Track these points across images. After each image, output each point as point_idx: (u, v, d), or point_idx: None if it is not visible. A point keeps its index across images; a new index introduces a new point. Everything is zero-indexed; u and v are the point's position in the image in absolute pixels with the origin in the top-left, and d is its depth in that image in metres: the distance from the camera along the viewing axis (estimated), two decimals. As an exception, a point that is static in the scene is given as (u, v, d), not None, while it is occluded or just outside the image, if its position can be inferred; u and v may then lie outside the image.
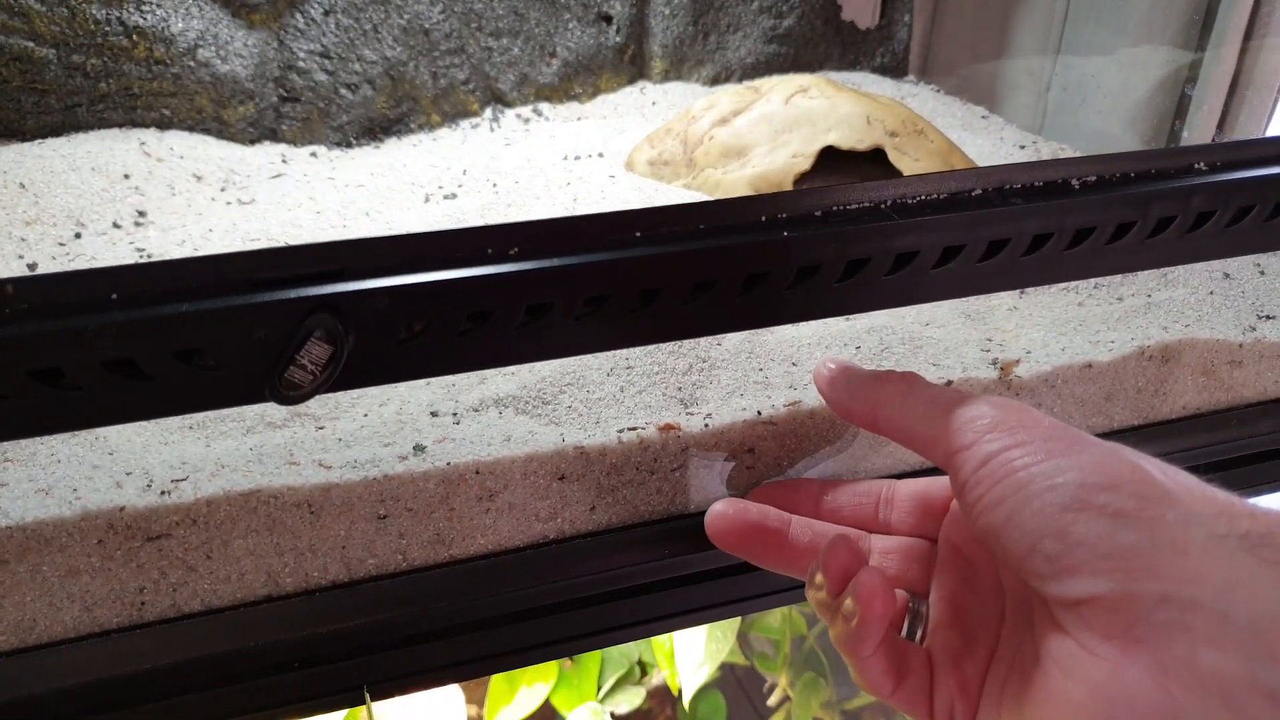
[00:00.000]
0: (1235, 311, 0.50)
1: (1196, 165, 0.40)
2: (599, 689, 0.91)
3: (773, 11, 0.87)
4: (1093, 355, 0.45)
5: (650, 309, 0.34)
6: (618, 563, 0.39)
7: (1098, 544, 0.26)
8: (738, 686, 1.04)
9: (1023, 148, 0.76)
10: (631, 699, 0.91)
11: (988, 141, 0.77)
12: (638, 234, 0.34)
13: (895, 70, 0.95)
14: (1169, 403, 0.47)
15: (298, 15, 0.75)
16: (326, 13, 0.75)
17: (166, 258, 0.56)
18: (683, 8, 0.84)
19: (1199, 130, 0.80)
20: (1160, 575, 0.25)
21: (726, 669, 1.00)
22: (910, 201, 0.37)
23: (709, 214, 0.34)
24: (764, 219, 0.35)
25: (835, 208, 0.36)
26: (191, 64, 0.73)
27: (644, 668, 0.95)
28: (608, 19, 0.83)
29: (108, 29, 0.70)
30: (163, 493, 0.33)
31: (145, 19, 0.71)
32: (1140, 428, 0.47)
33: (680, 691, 0.87)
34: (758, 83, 0.71)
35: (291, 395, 0.30)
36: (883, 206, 0.36)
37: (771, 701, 0.93)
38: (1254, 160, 0.41)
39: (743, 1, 0.86)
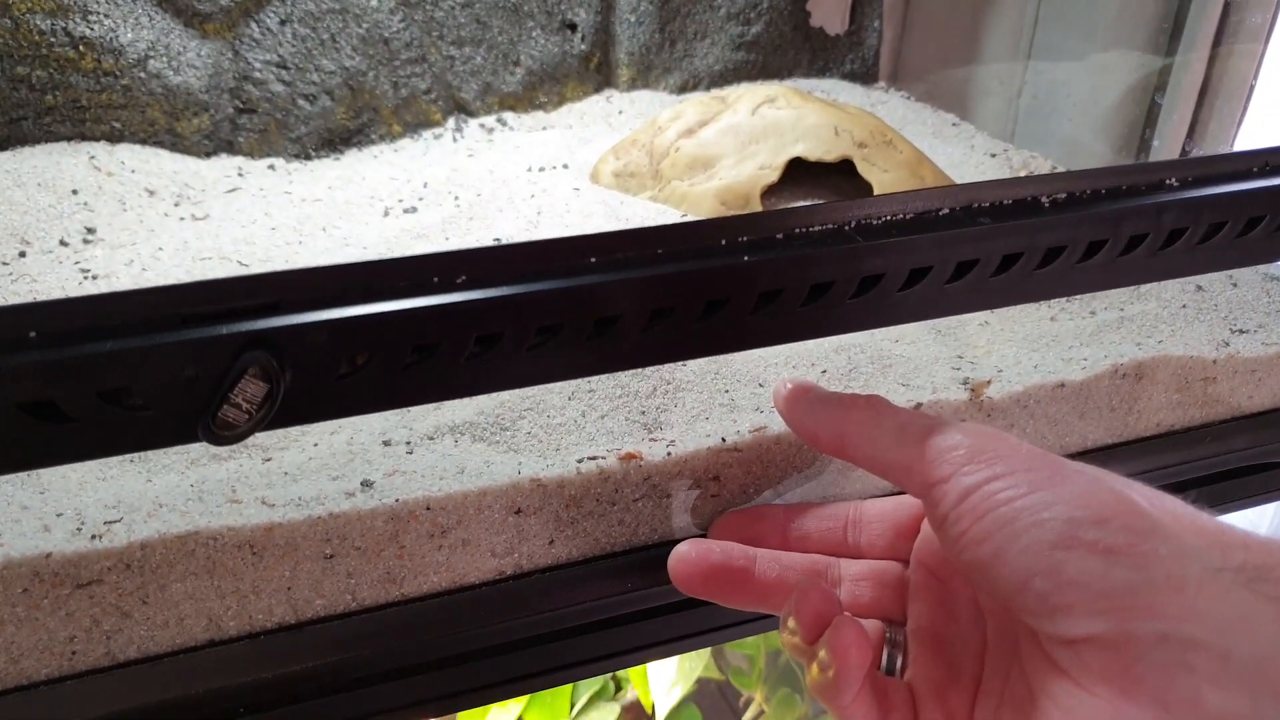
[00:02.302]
0: (1209, 326, 0.50)
1: (1168, 181, 0.39)
2: (572, 706, 0.89)
3: (740, 18, 0.86)
4: (1066, 374, 0.44)
5: (607, 337, 0.33)
6: (579, 597, 0.37)
7: (1091, 583, 0.25)
8: (718, 695, 1.02)
9: (994, 156, 0.76)
10: (605, 716, 0.89)
11: (958, 150, 0.76)
12: (592, 259, 0.32)
13: (865, 77, 0.94)
14: (1143, 420, 0.46)
15: (253, 25, 0.73)
16: (283, 22, 0.73)
17: (103, 290, 0.54)
18: (649, 15, 0.83)
19: (1169, 139, 0.80)
20: (1157, 613, 0.24)
21: (703, 681, 0.98)
22: (875, 223, 0.36)
23: (667, 238, 0.33)
24: (724, 242, 0.34)
25: (798, 230, 0.35)
26: (142, 75, 0.70)
27: (618, 683, 0.93)
28: (572, 27, 0.82)
29: (53, 40, 0.68)
30: (94, 536, 0.31)
31: (92, 29, 0.68)
32: (1114, 446, 0.47)
33: (654, 709, 0.85)
34: (725, 92, 0.70)
35: (226, 435, 0.29)
36: (847, 228, 0.35)
37: (747, 718, 0.91)
38: (1225, 175, 0.40)
39: (710, 8, 0.85)
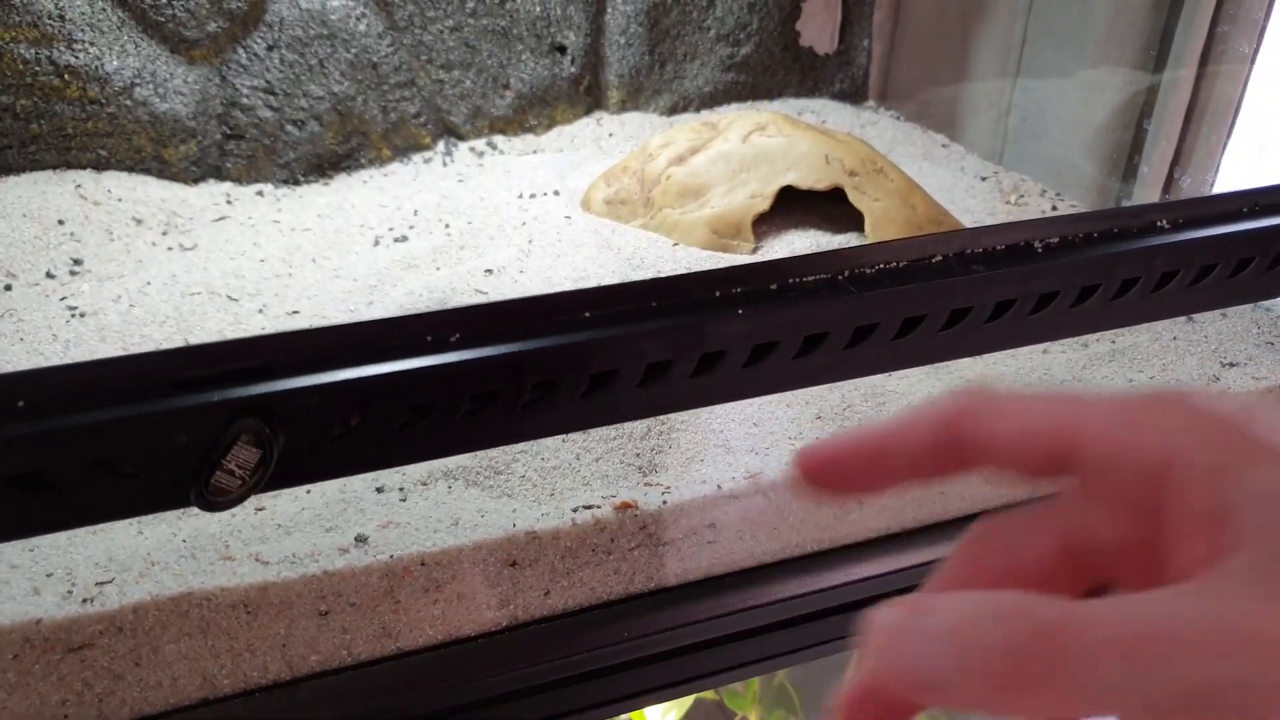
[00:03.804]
0: (1199, 358, 0.50)
1: (1159, 224, 0.40)
2: (565, 729, 0.89)
3: (730, 39, 0.86)
4: (1057, 413, 0.44)
5: (602, 392, 0.33)
6: (575, 647, 0.37)
7: None
8: (713, 715, 1.02)
9: (984, 179, 0.76)
10: (599, 738, 0.89)
11: (948, 173, 0.77)
12: (587, 315, 0.32)
13: (855, 96, 0.94)
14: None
15: (240, 51, 0.73)
16: (270, 48, 0.73)
17: (90, 327, 0.54)
18: (638, 37, 0.83)
19: (1156, 165, 0.80)
20: None
21: (698, 702, 0.98)
22: (869, 272, 0.36)
23: (661, 291, 0.33)
24: (718, 295, 0.34)
25: (791, 280, 0.35)
26: (128, 103, 0.70)
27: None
28: (562, 49, 0.82)
29: (37, 69, 0.67)
30: (85, 600, 0.31)
31: (77, 58, 0.68)
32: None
33: (648, 731, 0.85)
34: (715, 118, 0.70)
35: (219, 502, 0.28)
36: (840, 278, 0.35)
37: (741, 738, 0.91)
38: (1215, 217, 0.40)
39: (699, 30, 0.85)
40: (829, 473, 0.25)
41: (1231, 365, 0.49)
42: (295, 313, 0.56)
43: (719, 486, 0.39)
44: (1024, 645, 0.16)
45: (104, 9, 0.69)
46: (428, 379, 0.30)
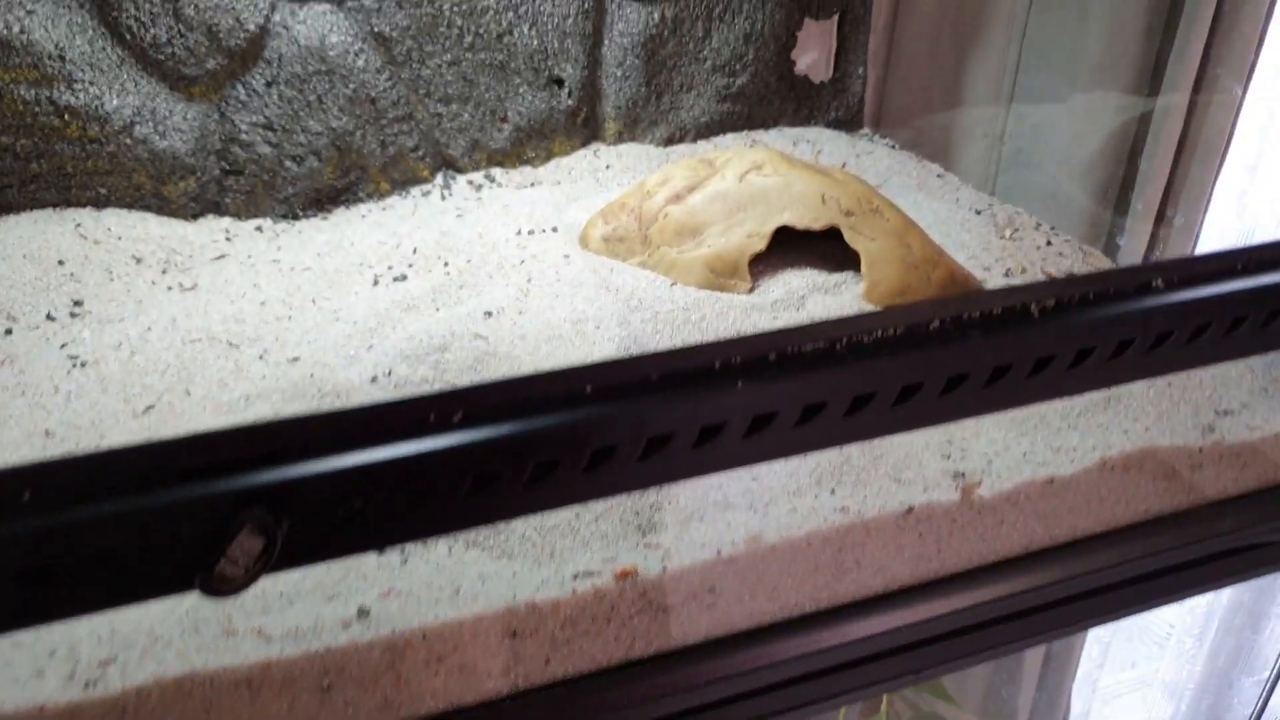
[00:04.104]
0: (1193, 406, 0.50)
1: (1154, 283, 0.40)
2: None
3: (726, 70, 0.86)
4: (1055, 467, 0.44)
5: (603, 468, 0.33)
6: (576, 714, 0.37)
7: None
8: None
9: (979, 212, 0.76)
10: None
11: (944, 205, 0.77)
12: (588, 389, 0.32)
13: (850, 123, 0.94)
14: (1131, 509, 0.47)
15: (239, 87, 0.73)
16: (269, 84, 0.73)
17: (91, 379, 0.54)
18: (635, 69, 0.83)
19: (1148, 199, 0.80)
20: None
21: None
22: (866, 340, 0.36)
23: (660, 363, 0.33)
24: (717, 366, 0.34)
25: (790, 349, 0.35)
26: (128, 141, 0.70)
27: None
28: (559, 82, 0.82)
29: (37, 109, 0.67)
30: (88, 684, 0.31)
31: (77, 97, 0.68)
32: (1102, 535, 0.47)
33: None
34: (711, 155, 0.70)
35: (223, 589, 0.29)
36: (838, 346, 0.35)
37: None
38: (1210, 275, 0.41)
39: (695, 61, 0.85)
40: None
41: (1227, 413, 0.50)
42: (296, 359, 0.57)
43: (719, 551, 0.39)
44: None
45: (104, 48, 0.69)
46: (428, 464, 0.30)
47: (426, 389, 0.55)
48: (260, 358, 0.57)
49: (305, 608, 0.36)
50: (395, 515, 0.30)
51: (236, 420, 0.50)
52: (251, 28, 0.71)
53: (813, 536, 0.41)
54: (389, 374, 0.55)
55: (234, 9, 0.70)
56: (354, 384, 0.54)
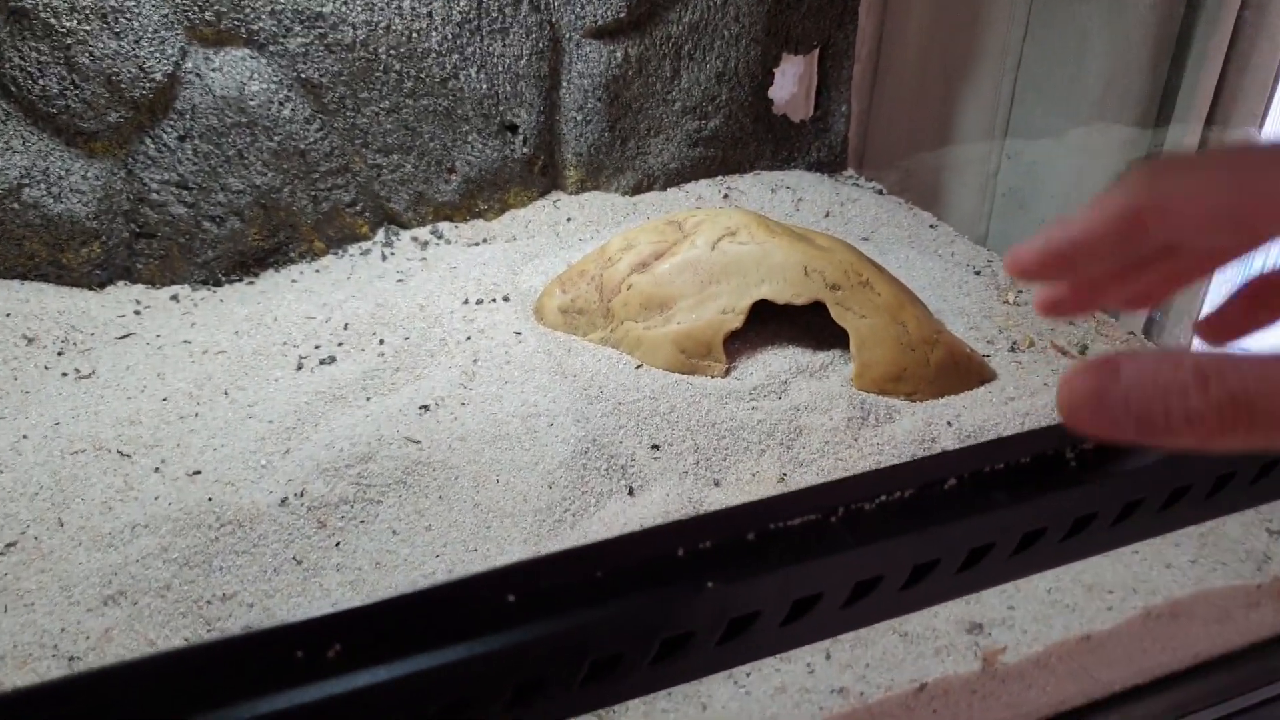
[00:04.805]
0: (1244, 525, 0.43)
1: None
2: None
3: (697, 112, 0.79)
4: (1090, 623, 0.37)
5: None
6: None
7: None
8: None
9: (978, 272, 0.69)
10: None
11: (938, 264, 0.70)
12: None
13: (833, 165, 0.87)
14: (1178, 656, 0.40)
15: (148, 142, 0.65)
16: (182, 138, 0.65)
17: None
18: (596, 112, 0.76)
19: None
20: None
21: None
22: (868, 508, 0.28)
23: (602, 556, 0.26)
24: (681, 552, 0.26)
25: (773, 526, 0.27)
26: (15, 206, 0.62)
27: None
28: (513, 128, 0.74)
29: (-91, 173, 0.59)
30: None
31: (-44, 159, 0.60)
32: (1147, 685, 0.40)
33: None
34: (680, 215, 0.62)
35: None
36: (833, 519, 0.28)
37: None
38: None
39: (664, 102, 0.78)
40: (1032, 269, 0.26)
41: (1279, 534, 0.43)
42: (196, 473, 0.49)
43: (687, 760, 0.31)
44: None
45: (-13, 101, 0.61)
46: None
47: (346, 511, 0.47)
48: (156, 470, 0.49)
49: None
50: None
51: (114, 559, 0.42)
52: (158, 76, 0.63)
53: (803, 725, 0.34)
54: (301, 494, 0.47)
55: (136, 56, 0.62)
56: (260, 508, 0.46)
